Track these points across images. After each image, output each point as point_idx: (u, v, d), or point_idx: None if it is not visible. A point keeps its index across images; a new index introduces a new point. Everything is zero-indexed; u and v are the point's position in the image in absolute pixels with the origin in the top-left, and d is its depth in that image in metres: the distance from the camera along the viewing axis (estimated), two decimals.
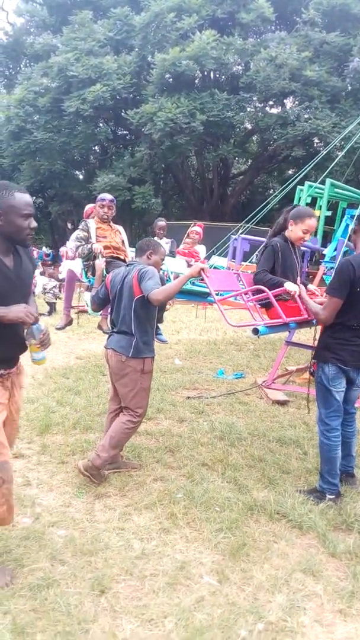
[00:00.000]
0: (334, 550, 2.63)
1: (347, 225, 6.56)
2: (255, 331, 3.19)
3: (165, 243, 6.16)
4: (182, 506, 3.00)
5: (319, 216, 7.19)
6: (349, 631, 2.12)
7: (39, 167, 23.47)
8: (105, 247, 4.32)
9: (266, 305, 3.63)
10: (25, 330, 2.33)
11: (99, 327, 4.64)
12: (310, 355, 5.57)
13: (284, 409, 5.03)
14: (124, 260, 4.33)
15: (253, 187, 29.80)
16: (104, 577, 2.36)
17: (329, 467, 3.14)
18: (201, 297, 4.20)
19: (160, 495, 3.13)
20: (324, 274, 6.16)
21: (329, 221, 8.47)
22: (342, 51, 19.19)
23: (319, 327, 3.49)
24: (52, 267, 13.27)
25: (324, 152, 7.01)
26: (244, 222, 6.85)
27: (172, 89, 20.46)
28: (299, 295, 3.25)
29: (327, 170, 6.97)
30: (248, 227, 7.41)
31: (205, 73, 22.40)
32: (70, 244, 4.49)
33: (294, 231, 3.56)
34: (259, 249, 3.97)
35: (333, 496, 3.11)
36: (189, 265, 5.71)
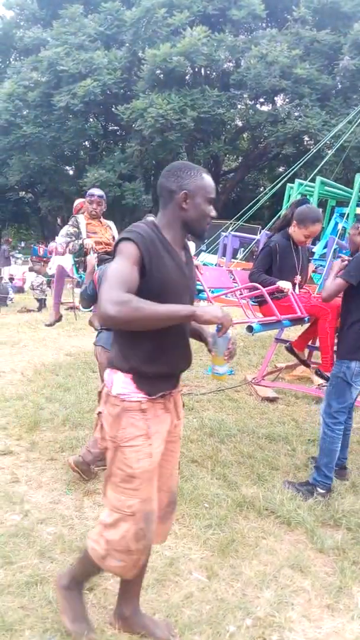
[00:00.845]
0: (322, 546, 2.65)
1: (337, 223, 6.60)
2: (250, 329, 3.19)
3: None
4: None
5: None
6: (336, 626, 2.14)
7: (29, 162, 23.30)
8: (97, 243, 4.29)
9: (260, 303, 3.63)
10: (211, 340, 1.87)
11: (90, 323, 4.62)
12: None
13: (273, 405, 5.05)
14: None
15: (243, 184, 29.86)
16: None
17: (328, 460, 3.15)
18: None
19: None
20: (313, 271, 6.19)
21: None
22: (332, 49, 19.28)
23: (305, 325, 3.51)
24: (41, 263, 13.18)
25: (314, 150, 7.04)
26: (234, 219, 6.85)
27: (162, 85, 20.42)
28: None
29: (317, 169, 7.00)
30: (238, 224, 7.42)
31: (196, 69, 22.38)
32: (60, 240, 4.43)
33: (296, 233, 3.49)
34: (260, 248, 3.91)
35: (324, 491, 3.13)
36: None
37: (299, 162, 6.62)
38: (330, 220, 7.06)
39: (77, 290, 4.59)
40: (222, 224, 11.39)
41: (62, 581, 2.03)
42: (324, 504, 3.05)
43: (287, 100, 20.70)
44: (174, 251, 1.82)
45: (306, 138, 20.91)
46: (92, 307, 3.91)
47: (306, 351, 5.40)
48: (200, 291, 4.07)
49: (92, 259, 4.17)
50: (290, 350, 4.02)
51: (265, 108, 22.59)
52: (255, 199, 6.25)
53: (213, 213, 1.87)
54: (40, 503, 2.99)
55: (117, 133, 27.46)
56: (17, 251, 22.65)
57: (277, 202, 11.13)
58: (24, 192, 34.88)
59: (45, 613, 2.11)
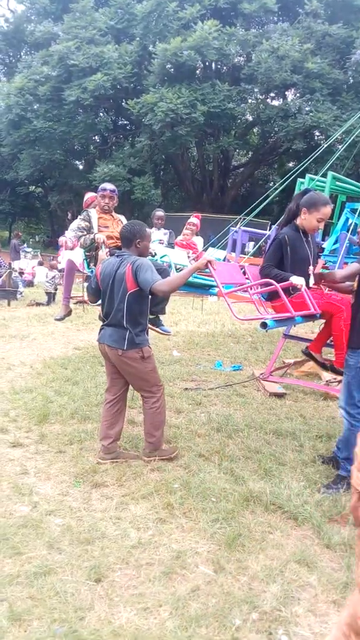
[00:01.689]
0: (329, 541, 2.65)
1: (347, 219, 6.54)
2: (264, 325, 3.16)
3: (163, 234, 6.13)
4: (178, 496, 3.02)
5: None
6: None
7: (39, 157, 23.32)
8: (108, 237, 4.27)
9: (270, 298, 3.60)
10: None
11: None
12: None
13: (280, 401, 5.04)
14: None
15: (253, 179, 29.72)
16: (100, 566, 2.38)
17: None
18: (202, 289, 4.19)
19: (157, 485, 3.15)
20: (324, 267, 6.15)
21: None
22: (344, 43, 19.08)
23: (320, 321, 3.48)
24: (52, 258, 13.24)
25: (325, 145, 6.97)
26: (243, 214, 6.82)
27: (173, 79, 20.33)
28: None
29: (328, 163, 6.93)
30: (248, 219, 7.38)
31: (207, 64, 22.25)
32: (69, 234, 4.41)
33: (307, 220, 3.42)
34: (269, 242, 3.86)
35: None
36: (196, 259, 5.69)
37: (309, 157, 6.56)
38: (340, 216, 7.00)
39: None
40: (231, 219, 11.35)
41: None
42: (331, 500, 3.05)
43: (298, 94, 20.52)
44: None
45: (317, 133, 20.72)
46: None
47: None
48: (211, 286, 4.06)
49: (103, 253, 4.17)
50: (307, 354, 4.00)
51: (276, 103, 22.42)
52: (265, 194, 6.19)
53: None
54: (48, 495, 3.02)
55: (127, 127, 27.40)
56: (26, 245, 22.72)
57: (287, 197, 11.08)
58: (34, 187, 34.96)
59: (54, 604, 2.13)
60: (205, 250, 6.76)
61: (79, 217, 4.44)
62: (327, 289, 3.69)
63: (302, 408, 4.82)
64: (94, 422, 4.13)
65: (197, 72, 22.02)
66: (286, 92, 21.95)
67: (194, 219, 6.73)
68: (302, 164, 6.53)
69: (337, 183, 6.98)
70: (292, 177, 6.66)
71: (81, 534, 2.63)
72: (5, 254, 17.63)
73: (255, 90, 20.92)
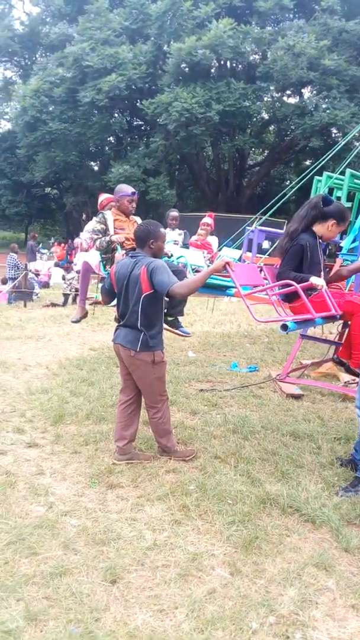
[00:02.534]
0: (347, 545, 2.61)
1: None
2: (284, 327, 3.13)
3: (178, 234, 6.12)
4: (194, 498, 3.00)
5: None
6: None
7: (54, 158, 23.51)
8: (125, 239, 4.27)
9: (288, 300, 3.58)
10: None
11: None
12: (327, 349, 5.53)
13: (298, 402, 4.99)
14: None
15: (269, 178, 29.53)
16: (116, 567, 2.37)
17: None
18: (219, 290, 4.16)
19: (173, 486, 3.13)
20: (341, 266, 6.06)
21: None
22: None
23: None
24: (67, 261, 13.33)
25: (342, 143, 6.89)
26: (259, 213, 6.77)
27: (187, 79, 20.31)
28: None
29: (346, 161, 6.85)
30: (264, 218, 7.33)
31: (222, 62, 22.18)
32: (85, 235, 4.44)
33: (332, 231, 3.50)
34: (284, 243, 3.80)
35: None
36: (211, 259, 5.66)
37: (326, 154, 6.49)
38: (358, 214, 6.91)
39: None
40: (246, 218, 11.29)
41: None
42: (350, 503, 3.01)
43: (314, 92, 20.34)
44: None
45: (334, 130, 20.53)
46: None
47: (331, 348, 5.32)
48: (228, 287, 4.03)
49: (120, 255, 4.16)
50: (338, 361, 3.97)
51: (292, 100, 22.27)
52: (282, 193, 6.14)
53: None
54: (64, 495, 3.03)
55: (142, 128, 27.47)
56: (42, 246, 22.93)
57: (304, 195, 10.98)
58: (49, 188, 35.29)
59: (70, 604, 2.13)
60: (220, 250, 6.73)
61: (95, 219, 4.44)
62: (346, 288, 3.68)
63: (320, 410, 4.77)
64: (110, 423, 4.13)
65: (212, 70, 21.98)
66: (302, 90, 21.79)
67: (208, 219, 6.71)
68: (319, 161, 6.46)
69: (355, 180, 6.89)
70: (310, 175, 6.59)
71: (97, 534, 2.63)
72: (23, 255, 17.83)
73: (271, 88, 20.81)
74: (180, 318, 4.29)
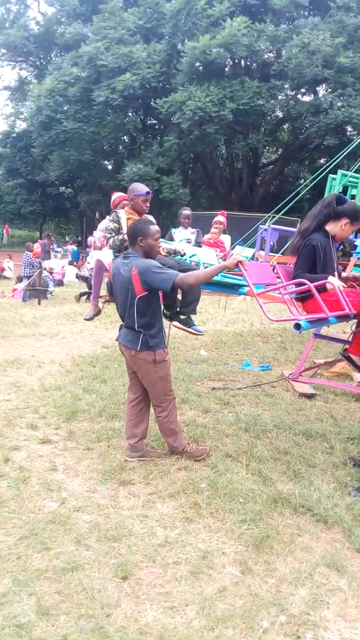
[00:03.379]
0: None
1: None
2: (297, 326, 3.10)
3: (190, 233, 6.11)
4: (205, 496, 3.00)
5: None
6: None
7: (69, 157, 23.64)
8: None
9: (302, 299, 3.55)
10: None
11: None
12: (340, 349, 5.47)
13: (310, 402, 4.96)
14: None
15: (283, 176, 29.37)
16: (127, 563, 2.38)
17: None
18: (231, 288, 4.15)
19: (184, 484, 3.14)
20: (355, 265, 6.02)
21: None
22: None
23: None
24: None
25: (358, 141, 6.82)
26: (272, 212, 6.73)
27: (202, 77, 20.26)
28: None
29: None
30: (277, 217, 7.29)
31: (236, 61, 22.08)
32: (98, 234, 4.46)
33: (345, 231, 3.45)
34: (296, 241, 3.77)
35: None
36: (224, 258, 5.64)
37: (341, 152, 6.43)
38: None
39: None
40: (260, 217, 11.23)
41: None
42: None
43: (329, 89, 20.15)
44: None
45: (349, 128, 20.32)
46: None
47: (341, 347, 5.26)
48: (240, 286, 4.02)
49: None
50: (347, 357, 3.93)
51: (306, 98, 22.08)
52: (295, 191, 6.10)
53: None
54: (76, 491, 3.05)
55: (156, 127, 27.50)
56: (56, 244, 23.11)
57: (318, 194, 10.89)
58: (64, 187, 35.52)
59: (81, 599, 2.15)
60: (232, 248, 6.70)
61: (108, 217, 4.44)
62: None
63: (333, 409, 4.73)
64: (122, 420, 4.15)
65: (226, 69, 21.90)
66: (317, 88, 21.58)
67: (220, 217, 6.68)
68: (333, 159, 6.40)
69: None
70: (324, 173, 6.54)
71: (108, 531, 2.64)
72: (38, 253, 17.99)
73: (286, 86, 20.67)
74: (192, 316, 4.29)
